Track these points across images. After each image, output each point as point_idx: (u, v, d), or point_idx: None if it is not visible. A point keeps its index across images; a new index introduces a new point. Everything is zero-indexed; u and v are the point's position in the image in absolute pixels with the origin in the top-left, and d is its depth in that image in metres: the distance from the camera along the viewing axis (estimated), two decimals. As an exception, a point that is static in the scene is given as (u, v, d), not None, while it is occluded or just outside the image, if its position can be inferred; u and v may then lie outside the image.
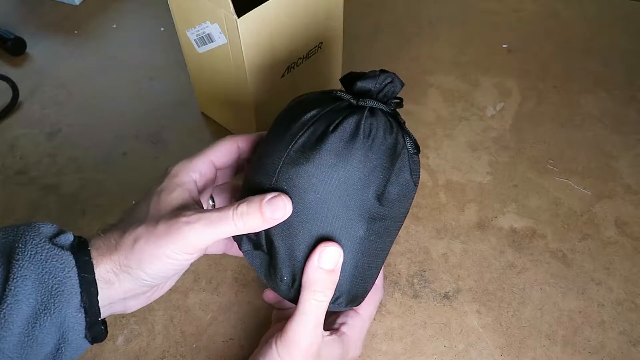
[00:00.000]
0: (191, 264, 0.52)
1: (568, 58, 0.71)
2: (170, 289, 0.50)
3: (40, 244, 0.33)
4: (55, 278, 0.33)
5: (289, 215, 0.35)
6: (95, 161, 0.61)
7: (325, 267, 0.35)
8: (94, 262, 0.34)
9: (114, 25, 0.78)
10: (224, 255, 0.53)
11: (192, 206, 0.36)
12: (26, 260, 0.32)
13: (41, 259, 0.33)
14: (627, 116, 0.64)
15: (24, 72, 0.72)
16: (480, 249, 0.52)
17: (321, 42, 0.57)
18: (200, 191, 0.39)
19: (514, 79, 0.68)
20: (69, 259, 0.33)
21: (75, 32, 0.77)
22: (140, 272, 0.34)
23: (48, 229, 0.35)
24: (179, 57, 0.64)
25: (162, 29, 0.77)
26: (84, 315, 0.34)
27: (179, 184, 0.37)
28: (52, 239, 0.34)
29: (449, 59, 0.71)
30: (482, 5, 0.79)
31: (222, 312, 0.49)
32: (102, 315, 0.35)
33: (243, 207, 0.34)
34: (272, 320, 0.45)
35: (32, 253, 0.33)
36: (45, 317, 0.32)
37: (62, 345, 0.34)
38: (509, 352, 0.46)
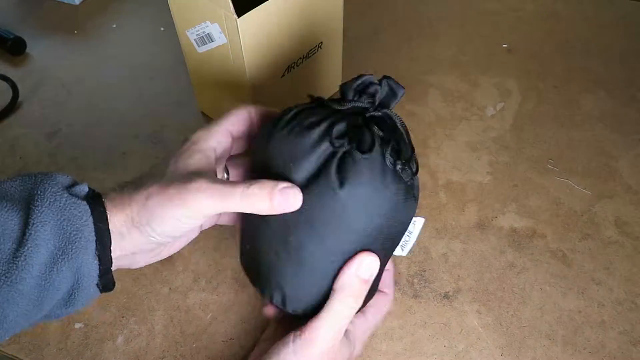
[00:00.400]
0: (192, 263, 0.52)
1: (568, 58, 0.71)
2: (170, 289, 0.50)
3: (58, 192, 0.34)
4: (73, 225, 0.33)
5: (296, 208, 0.34)
6: (95, 161, 0.61)
7: (363, 276, 0.36)
8: (108, 214, 0.35)
9: (114, 25, 0.78)
10: (224, 255, 0.53)
11: (206, 173, 0.36)
12: (45, 207, 0.33)
13: (59, 206, 0.34)
14: (627, 116, 0.64)
15: (24, 72, 0.72)
16: (480, 249, 0.52)
17: (321, 42, 0.57)
18: (217, 160, 0.40)
19: (514, 79, 0.68)
20: (85, 208, 0.34)
21: (75, 32, 0.77)
22: (149, 228, 0.35)
23: (64, 179, 0.36)
24: (179, 57, 0.64)
25: (162, 29, 0.77)
26: (97, 262, 0.35)
27: (199, 150, 0.38)
28: (68, 188, 0.35)
29: (449, 59, 0.71)
30: (482, 5, 0.79)
31: (222, 312, 0.49)
32: (113, 267, 0.36)
33: (254, 188, 0.34)
34: (272, 320, 0.45)
35: (51, 200, 0.33)
36: (63, 262, 0.33)
37: (75, 291, 0.35)
38: (509, 352, 0.46)
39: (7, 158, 0.62)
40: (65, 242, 0.33)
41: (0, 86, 0.68)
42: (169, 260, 0.52)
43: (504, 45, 0.73)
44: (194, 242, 0.53)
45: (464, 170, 0.59)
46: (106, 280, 0.36)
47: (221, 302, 0.49)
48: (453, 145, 0.61)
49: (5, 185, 0.35)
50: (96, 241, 0.34)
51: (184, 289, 0.51)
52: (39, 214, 0.33)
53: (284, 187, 0.34)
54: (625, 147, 0.61)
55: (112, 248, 0.35)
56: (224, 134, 0.40)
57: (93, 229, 0.34)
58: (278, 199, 0.34)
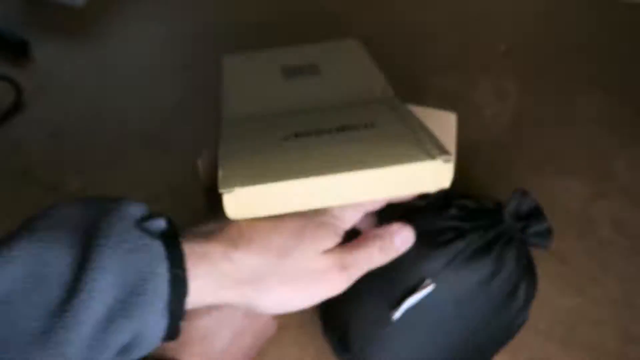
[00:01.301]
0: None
1: (566, 58, 0.71)
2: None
3: (128, 228, 0.27)
4: (140, 274, 0.27)
5: (413, 239, 0.36)
6: (97, 161, 0.62)
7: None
8: (187, 259, 0.28)
9: (116, 27, 0.79)
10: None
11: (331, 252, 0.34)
12: (110, 248, 0.26)
13: (127, 248, 0.27)
14: (624, 116, 0.64)
15: (28, 74, 0.72)
16: (478, 248, 0.53)
17: None
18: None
19: (513, 79, 0.69)
20: (159, 250, 0.28)
21: (78, 33, 0.78)
22: (253, 304, 0.31)
23: (136, 209, 0.30)
24: (181, 58, 0.65)
25: (163, 29, 0.77)
26: (167, 321, 0.28)
27: (334, 225, 0.35)
28: (140, 222, 0.29)
29: (448, 59, 0.72)
30: (482, 5, 0.80)
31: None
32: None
33: (384, 244, 0.35)
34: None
35: (118, 239, 0.27)
36: (122, 320, 0.26)
37: (131, 349, 0.28)
38: (507, 350, 0.46)
39: (10, 159, 0.63)
40: (128, 296, 0.26)
41: (4, 88, 0.69)
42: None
43: (503, 46, 0.73)
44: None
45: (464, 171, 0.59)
46: (172, 332, 0.29)
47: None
48: (452, 146, 0.62)
49: (64, 211, 0.29)
50: (170, 293, 0.27)
51: (185, 287, 0.51)
52: (101, 256, 0.26)
53: (398, 229, 0.36)
54: (623, 147, 0.61)
55: (188, 300, 0.28)
56: (359, 215, 0.36)
57: (167, 278, 0.27)
58: (399, 241, 0.35)
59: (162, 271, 0.27)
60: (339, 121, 0.39)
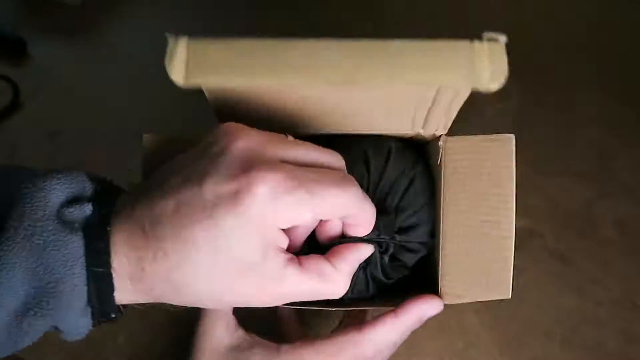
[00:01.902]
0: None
1: (568, 58, 0.71)
2: (171, 288, 0.50)
3: (42, 220, 0.25)
4: (53, 275, 0.25)
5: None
6: (96, 161, 0.61)
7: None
8: (113, 252, 0.26)
9: (115, 25, 0.78)
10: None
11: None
12: (17, 243, 0.24)
13: (38, 245, 0.25)
14: (625, 116, 0.64)
15: (25, 73, 0.72)
16: (479, 248, 0.53)
17: None
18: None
19: (513, 79, 0.68)
20: (76, 246, 0.25)
21: (76, 32, 0.78)
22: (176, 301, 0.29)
23: (60, 192, 0.27)
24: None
25: (163, 29, 0.77)
26: (90, 318, 0.27)
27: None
28: (61, 209, 0.26)
29: (448, 59, 0.72)
30: (482, 5, 0.79)
31: (222, 311, 0.49)
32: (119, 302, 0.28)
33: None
34: (284, 321, 0.43)
35: (28, 234, 0.24)
36: (37, 317, 0.25)
37: (59, 333, 0.28)
38: (508, 350, 0.46)
39: (7, 159, 0.62)
40: (42, 293, 0.25)
41: (1, 86, 0.68)
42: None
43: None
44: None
45: (463, 170, 0.59)
46: (105, 320, 0.28)
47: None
48: (452, 145, 0.61)
49: None
50: (89, 292, 0.26)
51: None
52: (6, 252, 0.24)
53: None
54: (624, 147, 0.61)
55: (115, 295, 0.27)
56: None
57: (85, 277, 0.25)
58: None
59: (79, 270, 0.25)
60: None
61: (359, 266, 0.33)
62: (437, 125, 0.36)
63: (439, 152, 0.35)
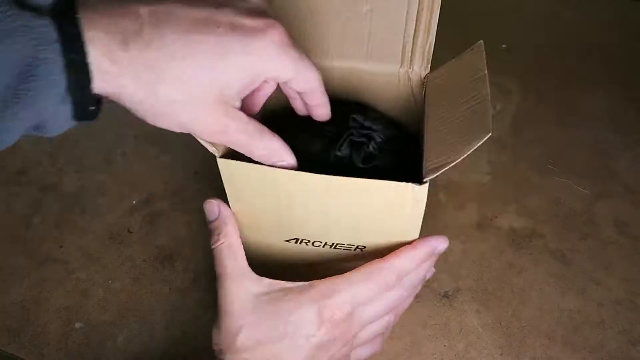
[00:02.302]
0: (192, 263, 0.53)
1: (568, 58, 0.71)
2: (170, 289, 0.50)
3: (1, 5, 0.23)
4: (23, 60, 0.23)
5: (283, 159, 0.35)
6: (95, 161, 0.61)
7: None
8: (86, 37, 0.24)
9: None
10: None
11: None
12: None
13: (6, 29, 0.23)
14: (626, 116, 0.64)
15: (24, 72, 0.72)
16: (480, 249, 0.52)
17: None
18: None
19: (513, 79, 0.69)
20: (47, 30, 0.23)
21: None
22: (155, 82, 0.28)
23: None
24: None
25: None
26: (71, 106, 0.26)
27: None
28: None
29: (448, 58, 0.71)
30: (482, 5, 0.79)
31: (222, 312, 0.49)
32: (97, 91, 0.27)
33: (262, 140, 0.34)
34: None
35: None
36: (16, 108, 0.24)
37: (41, 130, 0.27)
38: (509, 351, 0.46)
39: (7, 158, 0.62)
40: (17, 82, 0.23)
41: (0, 86, 0.68)
42: (169, 260, 0.52)
43: (504, 45, 0.73)
44: (195, 242, 0.54)
45: (464, 170, 0.59)
46: (86, 114, 0.27)
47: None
48: (453, 145, 0.61)
49: None
50: (68, 79, 0.24)
51: (185, 288, 0.51)
52: None
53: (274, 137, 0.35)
54: (625, 147, 0.61)
55: (99, 83, 0.26)
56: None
57: (61, 63, 0.24)
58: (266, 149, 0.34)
59: (52, 56, 0.24)
60: None
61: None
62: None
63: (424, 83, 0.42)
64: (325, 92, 0.36)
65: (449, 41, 0.74)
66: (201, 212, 0.56)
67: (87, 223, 0.56)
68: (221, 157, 0.35)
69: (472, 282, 0.50)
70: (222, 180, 0.37)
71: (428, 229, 0.54)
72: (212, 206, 0.39)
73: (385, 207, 0.36)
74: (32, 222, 0.56)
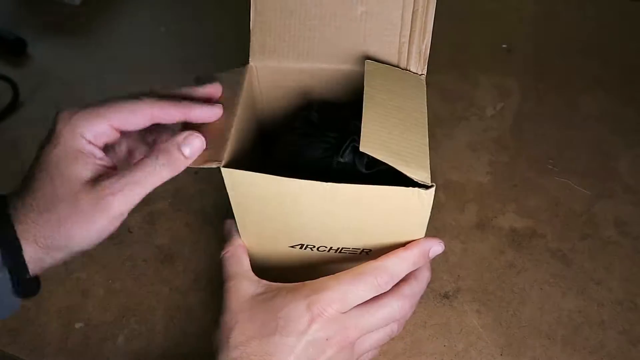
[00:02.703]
0: (192, 263, 0.53)
1: (568, 58, 0.71)
2: (171, 289, 0.50)
3: None
4: None
5: (204, 147, 0.35)
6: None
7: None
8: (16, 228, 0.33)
9: (114, 25, 0.78)
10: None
11: (105, 172, 0.35)
12: None
13: None
14: (626, 116, 0.64)
15: (25, 72, 0.72)
16: (480, 249, 0.52)
17: None
18: (106, 147, 0.37)
19: (514, 79, 0.68)
20: None
21: (76, 31, 0.77)
22: (71, 248, 0.34)
23: None
24: (179, 57, 0.64)
25: (162, 28, 0.77)
26: (8, 275, 0.33)
27: (75, 150, 0.35)
28: None
29: (449, 58, 0.71)
30: (482, 5, 0.79)
31: (222, 312, 0.49)
32: (32, 272, 0.35)
33: (162, 158, 0.34)
34: None
35: None
36: None
37: None
38: (509, 351, 0.46)
39: (7, 158, 0.62)
40: None
41: (0, 86, 0.68)
42: (169, 260, 0.52)
43: (504, 46, 0.73)
44: (195, 242, 0.54)
45: (464, 170, 0.59)
46: (27, 288, 0.35)
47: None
48: (452, 145, 0.61)
49: None
50: (2, 250, 0.32)
51: (185, 288, 0.51)
52: None
53: (186, 138, 0.35)
54: (625, 147, 0.61)
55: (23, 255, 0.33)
56: (102, 127, 0.36)
57: None
58: (188, 151, 0.35)
59: None
60: None
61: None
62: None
63: None
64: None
65: (449, 41, 0.74)
66: (201, 212, 0.56)
67: (87, 223, 0.56)
68: (224, 166, 0.35)
69: (472, 282, 0.50)
70: (223, 181, 0.37)
71: (428, 229, 0.54)
72: (225, 225, 0.43)
73: (392, 212, 0.37)
74: (32, 222, 0.56)
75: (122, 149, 0.41)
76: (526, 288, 0.50)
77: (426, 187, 0.34)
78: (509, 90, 0.67)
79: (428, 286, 0.50)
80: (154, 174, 0.34)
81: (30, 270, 0.34)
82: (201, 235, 0.54)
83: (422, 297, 0.49)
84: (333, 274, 0.37)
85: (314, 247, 0.41)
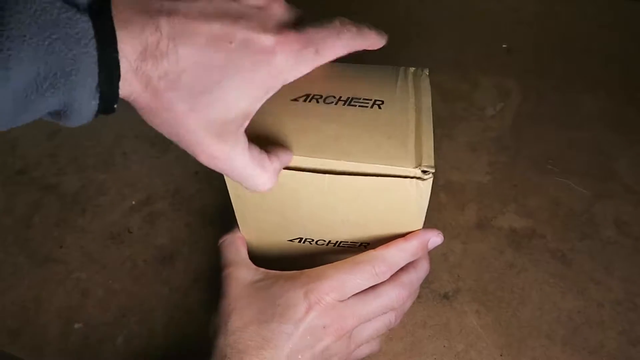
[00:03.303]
0: (192, 263, 0.53)
1: (568, 58, 0.71)
2: (170, 289, 0.50)
3: None
4: (70, 51, 0.24)
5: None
6: (96, 161, 0.61)
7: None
8: (118, 37, 0.26)
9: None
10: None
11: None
12: (29, 17, 0.23)
13: (50, 20, 0.23)
14: (626, 116, 0.64)
15: (24, 72, 0.72)
16: (480, 249, 0.52)
17: None
18: None
19: (513, 79, 0.68)
20: (86, 26, 0.24)
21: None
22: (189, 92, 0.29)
23: None
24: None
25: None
26: (98, 101, 0.27)
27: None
28: None
29: (448, 59, 0.71)
30: (482, 5, 0.79)
31: (222, 312, 0.49)
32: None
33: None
34: None
35: (39, 10, 0.23)
36: (49, 94, 0.25)
37: (63, 116, 0.27)
38: (509, 352, 0.46)
39: (7, 158, 0.62)
40: (55, 73, 0.24)
41: (0, 86, 0.68)
42: (169, 260, 0.52)
43: (504, 46, 0.73)
44: (195, 242, 0.54)
45: (464, 171, 0.59)
46: (108, 109, 0.28)
47: (221, 302, 0.50)
48: (452, 145, 0.61)
49: None
50: (99, 74, 0.26)
51: (185, 288, 0.51)
52: (18, 25, 0.23)
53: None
54: (625, 147, 0.61)
55: (120, 84, 0.27)
56: None
57: (96, 58, 0.25)
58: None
59: (92, 50, 0.25)
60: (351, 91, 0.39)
61: None
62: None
63: None
64: (348, 32, 0.34)
65: (449, 41, 0.74)
66: (201, 212, 0.57)
67: (87, 223, 0.56)
68: None
69: (472, 282, 0.50)
70: (223, 181, 0.37)
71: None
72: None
73: (390, 203, 0.37)
74: (32, 222, 0.56)
75: None
76: (526, 288, 0.50)
77: (423, 177, 0.34)
78: (509, 90, 0.67)
79: (428, 286, 0.50)
80: (245, 178, 0.33)
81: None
82: (201, 235, 0.54)
83: (422, 297, 0.49)
84: None
85: (313, 240, 0.42)
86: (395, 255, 0.38)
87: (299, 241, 0.42)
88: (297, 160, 0.35)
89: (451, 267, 0.51)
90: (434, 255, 0.52)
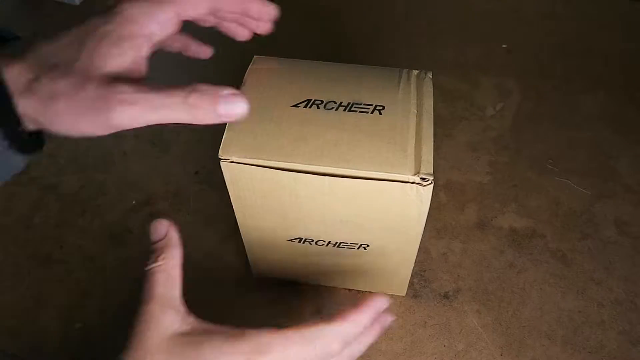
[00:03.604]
0: (192, 264, 0.52)
1: (568, 58, 0.71)
2: (171, 289, 0.50)
3: None
4: None
5: (244, 115, 0.29)
6: (95, 161, 0.61)
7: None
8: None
9: (114, 26, 0.78)
10: (224, 254, 0.53)
11: (130, 76, 0.30)
12: None
13: None
14: (626, 116, 0.64)
15: (24, 72, 0.72)
16: (480, 249, 0.52)
17: None
18: (152, 49, 0.32)
19: (513, 79, 0.68)
20: None
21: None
22: (49, 128, 0.30)
23: None
24: (178, 57, 0.64)
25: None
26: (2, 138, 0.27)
27: (130, 35, 0.30)
28: None
29: (449, 59, 0.71)
30: (482, 5, 0.79)
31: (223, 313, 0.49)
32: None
33: (195, 99, 0.29)
34: None
35: None
36: None
37: None
38: (509, 351, 0.46)
39: (7, 158, 0.62)
40: None
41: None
42: (169, 260, 0.52)
43: (504, 46, 0.73)
44: (195, 242, 0.54)
45: (464, 170, 0.59)
46: (26, 141, 0.29)
47: (223, 302, 0.49)
48: (453, 145, 0.61)
49: None
50: None
51: (184, 289, 0.50)
52: None
53: (229, 95, 0.29)
54: (625, 147, 0.61)
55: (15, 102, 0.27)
56: (168, 16, 0.31)
57: None
58: (223, 109, 0.29)
59: None
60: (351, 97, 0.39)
61: None
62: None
63: None
64: None
65: (449, 41, 0.74)
66: (201, 212, 0.56)
67: (87, 223, 0.56)
68: (224, 159, 0.35)
69: (472, 282, 0.50)
70: (223, 180, 0.37)
71: (428, 229, 0.54)
72: (161, 226, 0.34)
73: (390, 207, 0.37)
74: (32, 222, 0.56)
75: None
76: (526, 288, 0.50)
77: (423, 183, 0.34)
78: (509, 90, 0.67)
79: (428, 286, 0.50)
80: (175, 109, 0.29)
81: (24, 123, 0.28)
82: (201, 236, 0.54)
83: (422, 297, 0.49)
84: (332, 269, 0.37)
85: (313, 240, 0.41)
86: (350, 329, 0.32)
87: (299, 241, 0.42)
88: (297, 166, 0.35)
89: (451, 267, 0.51)
90: (434, 255, 0.52)
